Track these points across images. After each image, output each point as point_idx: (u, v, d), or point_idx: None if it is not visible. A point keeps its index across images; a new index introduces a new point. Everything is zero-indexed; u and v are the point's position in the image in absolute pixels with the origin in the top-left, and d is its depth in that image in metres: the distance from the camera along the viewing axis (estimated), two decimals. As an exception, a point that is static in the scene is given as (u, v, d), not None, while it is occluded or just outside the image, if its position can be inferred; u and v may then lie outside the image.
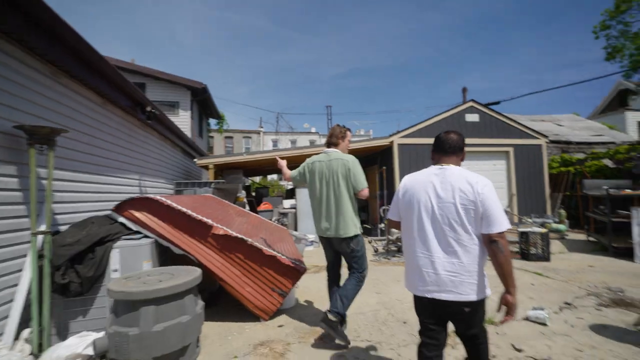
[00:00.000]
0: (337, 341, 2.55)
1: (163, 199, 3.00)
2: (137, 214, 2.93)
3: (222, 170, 8.93)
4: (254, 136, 31.80)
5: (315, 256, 6.02)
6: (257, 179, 25.94)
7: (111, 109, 4.05)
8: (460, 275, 1.56)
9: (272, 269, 3.09)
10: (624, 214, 5.61)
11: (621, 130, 19.86)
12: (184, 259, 3.02)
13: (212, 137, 33.05)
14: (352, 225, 2.65)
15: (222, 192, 6.39)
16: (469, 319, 1.63)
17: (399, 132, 8.78)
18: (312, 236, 6.60)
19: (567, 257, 5.62)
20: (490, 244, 1.55)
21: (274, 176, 26.30)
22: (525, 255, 5.40)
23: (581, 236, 7.59)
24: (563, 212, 8.65)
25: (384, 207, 8.57)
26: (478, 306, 1.62)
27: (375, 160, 10.11)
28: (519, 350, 2.43)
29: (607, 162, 8.98)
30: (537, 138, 9.67)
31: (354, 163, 2.71)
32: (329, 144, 2.89)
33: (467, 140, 8.56)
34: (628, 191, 6.02)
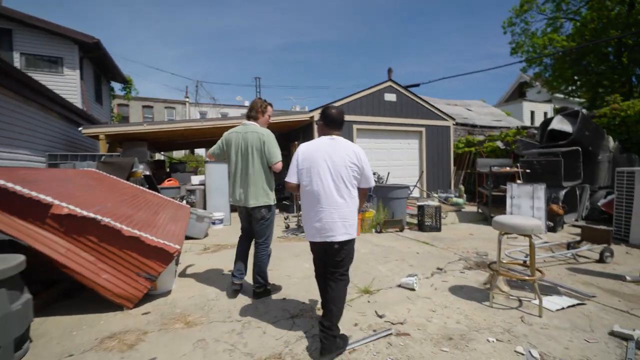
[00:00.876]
0: (274, 296, 2.97)
1: (-25, 171, 2.35)
2: None
3: (121, 142, 7.82)
4: (179, 107, 28.97)
5: (221, 234, 5.71)
6: (182, 153, 23.93)
7: None
8: (349, 220, 2.08)
9: (137, 252, 2.72)
10: (504, 189, 6.43)
11: (518, 117, 23.01)
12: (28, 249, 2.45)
13: (127, 105, 29.19)
14: (263, 195, 2.83)
15: (111, 167, 5.55)
16: (343, 251, 2.10)
17: (320, 107, 8.67)
18: (220, 214, 6.23)
19: (456, 227, 6.28)
20: (363, 192, 2.26)
21: (202, 151, 24.51)
22: (421, 227, 5.87)
23: (474, 208, 8.61)
24: (462, 187, 9.70)
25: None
26: (353, 243, 2.17)
27: (298, 136, 9.93)
28: (381, 317, 2.54)
29: (499, 144, 10.26)
30: (446, 120, 10.53)
31: (269, 137, 2.84)
32: (248, 117, 2.98)
33: (385, 119, 8.77)
34: (507, 169, 6.92)
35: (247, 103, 34.52)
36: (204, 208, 6.77)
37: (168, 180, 6.88)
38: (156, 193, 5.47)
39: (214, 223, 6.37)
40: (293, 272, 3.63)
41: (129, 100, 15.55)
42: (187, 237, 5.34)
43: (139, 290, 2.75)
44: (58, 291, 3.03)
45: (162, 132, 7.48)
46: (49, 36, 8.29)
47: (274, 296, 2.99)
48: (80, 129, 6.42)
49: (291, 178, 2.20)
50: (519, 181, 6.39)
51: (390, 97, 9.56)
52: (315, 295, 2.84)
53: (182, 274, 3.65)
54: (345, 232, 2.06)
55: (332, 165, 2.07)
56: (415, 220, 6.32)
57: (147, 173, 6.42)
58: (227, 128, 8.14)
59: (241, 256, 3.04)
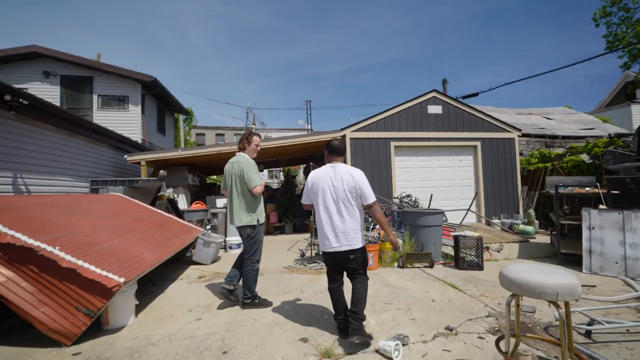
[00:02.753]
0: (261, 308, 3.23)
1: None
2: None
3: (164, 167, 8.45)
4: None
5: (232, 260, 5.45)
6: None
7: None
8: (351, 234, 2.47)
9: (76, 284, 2.56)
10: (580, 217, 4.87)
11: (625, 125, 18.65)
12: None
13: (203, 134, 32.78)
14: (245, 216, 3.21)
15: (138, 191, 5.89)
16: (355, 259, 2.51)
17: (352, 125, 8.14)
18: (236, 238, 6.05)
19: (509, 265, 4.91)
20: (369, 209, 2.53)
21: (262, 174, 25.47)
22: (457, 263, 4.73)
23: (548, 239, 6.83)
24: (532, 212, 7.86)
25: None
26: (361, 251, 2.54)
27: (334, 156, 9.49)
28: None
29: (584, 157, 8.15)
30: (509, 131, 8.90)
31: (247, 164, 3.22)
32: (239, 148, 3.41)
33: (429, 134, 8.00)
34: (586, 189, 5.26)
35: (308, 126, 35.67)
36: (225, 231, 6.72)
37: (195, 204, 7.08)
38: (172, 216, 5.58)
39: (230, 247, 6.23)
40: (262, 314, 3.08)
41: (190, 129, 17.19)
42: (194, 262, 5.26)
43: (77, 326, 2.56)
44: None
45: (197, 157, 7.83)
46: (119, 79, 9.73)
47: (215, 349, 2.48)
48: (125, 156, 7.11)
49: (304, 200, 2.70)
50: (602, 206, 4.75)
51: (434, 109, 8.50)
52: (265, 353, 2.27)
53: (154, 306, 3.42)
54: (347, 243, 2.46)
55: (334, 189, 2.49)
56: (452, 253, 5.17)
57: (172, 197, 6.68)
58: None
59: (235, 265, 3.41)
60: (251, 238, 3.24)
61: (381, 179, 8.05)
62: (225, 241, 6.17)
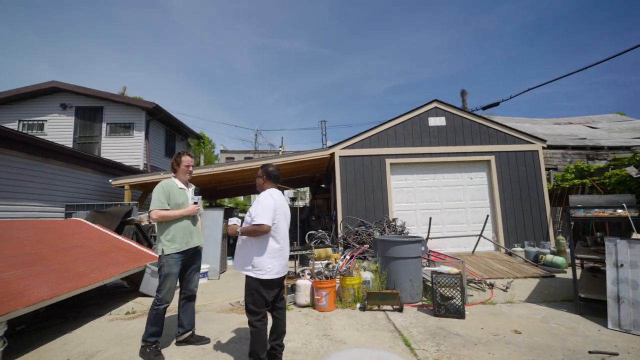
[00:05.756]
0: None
1: None
2: None
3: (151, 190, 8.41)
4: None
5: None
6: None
7: None
8: None
9: None
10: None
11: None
12: None
13: (232, 158, 33.98)
14: (158, 245, 2.90)
15: (103, 216, 5.75)
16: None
17: (341, 142, 7.49)
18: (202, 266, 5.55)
19: (506, 310, 3.78)
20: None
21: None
22: (435, 306, 3.72)
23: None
24: (562, 239, 6.40)
25: (314, 232, 7.23)
26: None
27: (330, 177, 8.83)
28: None
29: (631, 171, 6.57)
30: (531, 142, 7.59)
31: (155, 189, 2.94)
32: (172, 171, 3.14)
33: (432, 149, 7.16)
34: (617, 212, 3.99)
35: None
36: (195, 259, 6.27)
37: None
38: (131, 243, 5.29)
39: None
40: (132, 375, 2.47)
41: (203, 153, 17.57)
42: (143, 295, 4.83)
43: None
44: None
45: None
46: (126, 107, 10.22)
47: None
48: (110, 180, 7.14)
49: (267, 220, 2.35)
50: (635, 235, 3.50)
51: (436, 121, 7.56)
52: None
53: (38, 351, 2.96)
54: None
55: (285, 213, 2.55)
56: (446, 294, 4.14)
57: (148, 222, 6.47)
58: (242, 171, 7.82)
59: (178, 312, 3.04)
60: (159, 270, 2.87)
61: (375, 200, 7.18)
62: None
